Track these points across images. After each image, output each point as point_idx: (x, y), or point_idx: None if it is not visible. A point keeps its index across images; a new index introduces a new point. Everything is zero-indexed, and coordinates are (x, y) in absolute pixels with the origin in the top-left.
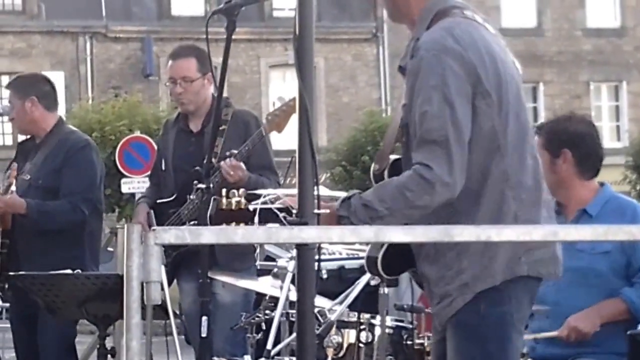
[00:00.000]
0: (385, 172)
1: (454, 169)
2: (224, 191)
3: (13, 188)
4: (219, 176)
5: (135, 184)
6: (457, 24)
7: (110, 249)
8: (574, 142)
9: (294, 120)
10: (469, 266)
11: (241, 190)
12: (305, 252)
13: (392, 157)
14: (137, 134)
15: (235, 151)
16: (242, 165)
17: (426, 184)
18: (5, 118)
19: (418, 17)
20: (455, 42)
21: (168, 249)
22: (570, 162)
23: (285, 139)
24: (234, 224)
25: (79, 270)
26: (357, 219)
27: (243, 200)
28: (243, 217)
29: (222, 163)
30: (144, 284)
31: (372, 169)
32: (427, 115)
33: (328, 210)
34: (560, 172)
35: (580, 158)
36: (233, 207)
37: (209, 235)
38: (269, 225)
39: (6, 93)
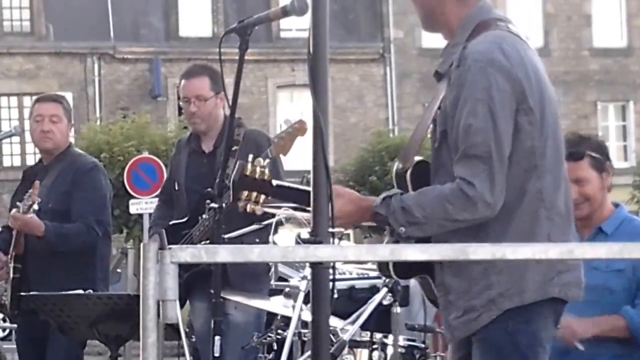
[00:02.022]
0: (408, 173)
1: (495, 187)
2: (250, 156)
3: (35, 207)
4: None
5: (144, 205)
6: (503, 38)
7: (119, 270)
8: (608, 155)
9: (306, 141)
10: (497, 283)
11: (266, 161)
12: (320, 271)
13: (416, 158)
14: (146, 154)
15: None
16: None
17: (468, 201)
18: (15, 139)
19: (458, 26)
20: (504, 56)
21: (180, 270)
22: (610, 174)
23: (297, 160)
24: (255, 193)
25: (91, 291)
26: (394, 220)
27: (267, 172)
28: (264, 188)
29: None
30: (160, 303)
31: (395, 167)
32: (471, 128)
33: (342, 229)
34: (608, 185)
35: (612, 170)
36: (257, 176)
37: (224, 253)
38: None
39: (14, 114)
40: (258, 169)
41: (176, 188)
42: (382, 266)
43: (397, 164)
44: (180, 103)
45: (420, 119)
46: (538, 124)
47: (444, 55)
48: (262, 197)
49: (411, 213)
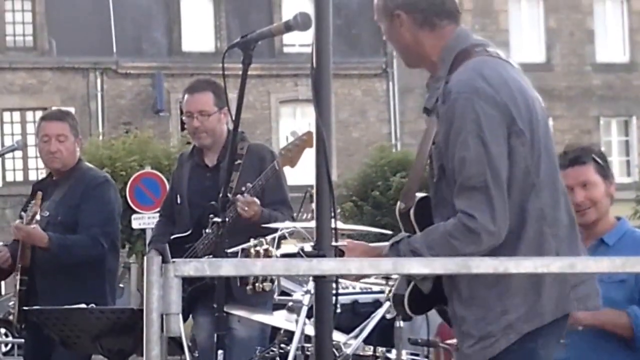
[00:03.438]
0: (412, 211)
1: (496, 215)
2: (252, 241)
3: (38, 217)
4: (234, 211)
5: (146, 220)
6: (484, 62)
7: (121, 285)
8: (609, 166)
9: (308, 156)
10: (514, 307)
11: (268, 238)
12: (322, 285)
13: (419, 195)
14: (148, 169)
15: (250, 185)
16: (257, 200)
17: (472, 234)
18: (17, 154)
19: (438, 58)
20: (486, 83)
21: (183, 284)
22: (613, 184)
23: (300, 174)
24: None
25: (94, 305)
26: None
27: (271, 248)
28: None
29: (237, 197)
30: (164, 316)
31: (397, 207)
32: (465, 161)
33: (346, 243)
34: (612, 194)
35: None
36: (262, 256)
37: (228, 267)
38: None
39: (17, 129)
40: (262, 250)
41: (178, 202)
42: (398, 304)
43: (399, 204)
44: (183, 118)
45: (416, 157)
46: (529, 143)
47: (429, 91)
48: None
49: (421, 255)
